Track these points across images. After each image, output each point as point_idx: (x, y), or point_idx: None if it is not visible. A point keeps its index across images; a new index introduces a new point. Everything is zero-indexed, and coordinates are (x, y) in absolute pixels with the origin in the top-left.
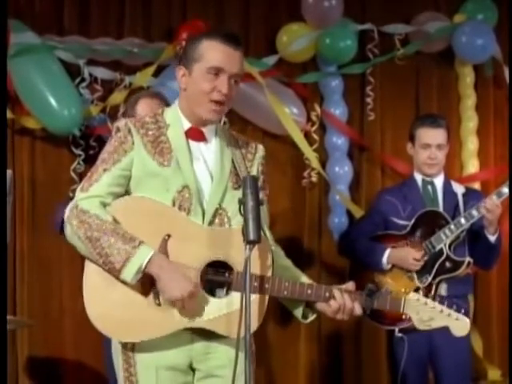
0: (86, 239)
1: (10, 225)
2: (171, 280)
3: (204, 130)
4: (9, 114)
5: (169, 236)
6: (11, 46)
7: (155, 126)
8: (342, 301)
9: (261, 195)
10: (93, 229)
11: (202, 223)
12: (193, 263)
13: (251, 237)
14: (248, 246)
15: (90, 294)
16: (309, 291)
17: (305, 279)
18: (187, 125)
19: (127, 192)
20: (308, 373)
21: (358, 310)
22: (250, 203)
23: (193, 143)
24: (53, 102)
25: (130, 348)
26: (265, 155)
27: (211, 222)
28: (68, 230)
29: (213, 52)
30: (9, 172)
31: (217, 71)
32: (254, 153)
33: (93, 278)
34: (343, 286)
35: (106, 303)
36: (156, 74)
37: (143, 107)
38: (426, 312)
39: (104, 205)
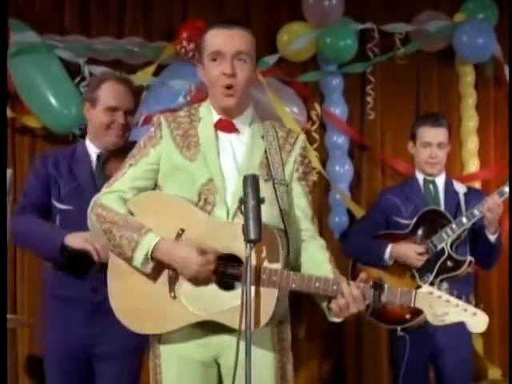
0: (102, 231)
1: (10, 224)
2: (183, 259)
3: (235, 121)
4: (9, 113)
5: (182, 230)
6: (12, 45)
7: (188, 119)
8: (350, 297)
9: (298, 187)
10: (106, 221)
11: (227, 216)
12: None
13: (252, 236)
14: (249, 245)
15: (112, 286)
16: (317, 284)
17: (328, 274)
18: (216, 117)
19: (157, 186)
20: (309, 372)
21: (363, 305)
22: (251, 202)
23: (223, 135)
24: (53, 101)
25: (156, 339)
26: (305, 146)
27: (235, 215)
28: (89, 223)
29: (210, 38)
30: (9, 171)
31: (216, 55)
32: (293, 143)
33: (115, 270)
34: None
35: (127, 295)
36: (156, 73)
37: (107, 93)
38: (440, 306)
39: (123, 199)
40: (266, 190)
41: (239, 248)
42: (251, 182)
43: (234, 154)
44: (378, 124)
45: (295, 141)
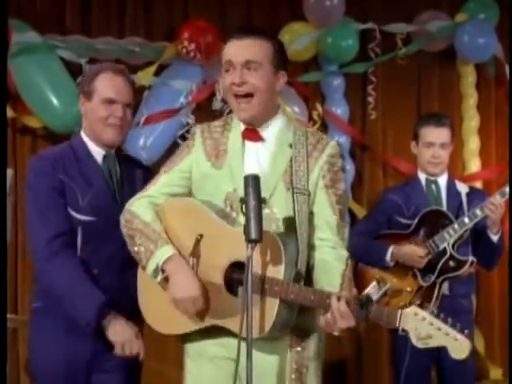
0: (127, 236)
1: (12, 224)
2: (180, 281)
3: (259, 129)
4: (11, 113)
5: (201, 236)
6: (13, 45)
7: (221, 129)
8: (338, 312)
9: (324, 195)
10: (132, 227)
11: None
12: (221, 262)
13: (252, 236)
14: (250, 245)
15: (140, 287)
16: (312, 297)
17: (327, 286)
18: (243, 127)
19: (191, 193)
20: None
21: (352, 322)
22: (252, 202)
23: (250, 144)
24: (54, 100)
25: (184, 339)
26: (335, 153)
27: None
28: (120, 227)
29: (224, 50)
30: (10, 171)
31: (228, 66)
32: (321, 150)
33: (143, 272)
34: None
35: (151, 297)
36: (157, 73)
37: (104, 84)
38: (424, 328)
39: (154, 204)
40: (286, 198)
41: (241, 255)
42: (252, 182)
43: (260, 162)
44: (379, 124)
45: (324, 148)
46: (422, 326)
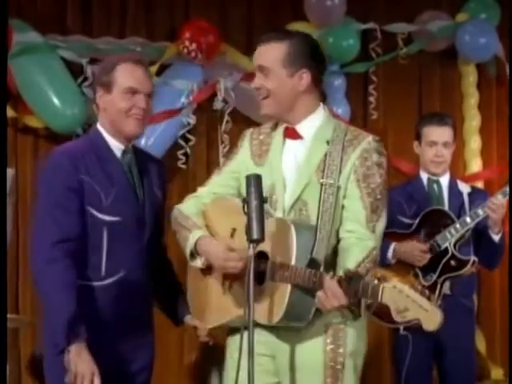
0: (176, 232)
1: (12, 224)
2: (212, 253)
3: (297, 127)
4: (12, 113)
5: (234, 230)
6: (14, 45)
7: (269, 130)
8: (328, 290)
9: (355, 189)
10: (177, 223)
11: (283, 216)
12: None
13: (254, 235)
14: (251, 245)
15: (189, 282)
16: (314, 279)
17: (345, 263)
18: (284, 125)
19: (240, 193)
20: None
21: (343, 300)
22: (254, 202)
23: (290, 142)
24: (56, 101)
25: (228, 336)
26: (369, 148)
27: (288, 215)
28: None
29: None
30: (11, 171)
31: (257, 69)
32: (356, 146)
33: (191, 269)
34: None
35: (196, 291)
36: (159, 73)
37: (124, 74)
38: (402, 301)
39: (200, 203)
40: (318, 192)
41: (266, 245)
42: (254, 182)
43: (296, 159)
44: (380, 124)
45: (359, 143)
46: (401, 300)
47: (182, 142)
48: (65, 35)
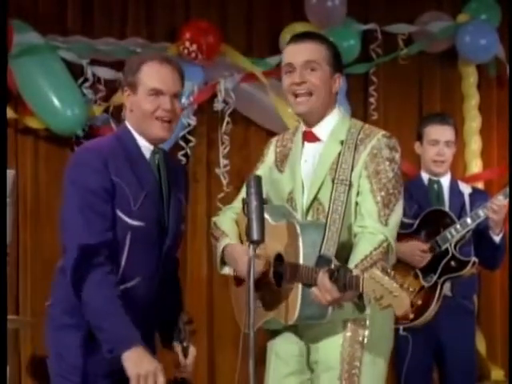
0: (212, 245)
1: (13, 225)
2: (236, 260)
3: (314, 129)
4: (12, 114)
5: None
6: (14, 46)
7: (291, 136)
8: (321, 285)
9: (367, 185)
10: (211, 235)
11: (301, 218)
12: (271, 255)
13: (254, 237)
14: (252, 246)
15: (230, 289)
16: (314, 276)
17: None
18: (302, 129)
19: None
20: None
21: (335, 294)
22: (254, 203)
23: (308, 145)
24: (56, 102)
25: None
26: (379, 144)
27: (306, 216)
28: None
29: (284, 55)
30: (12, 172)
31: (288, 68)
32: (367, 143)
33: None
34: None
35: (236, 299)
36: None
37: (149, 74)
38: (378, 289)
39: (234, 213)
40: (328, 189)
41: (281, 247)
42: (254, 183)
43: (313, 160)
44: (380, 125)
45: (370, 140)
46: (377, 288)
47: (182, 143)
48: (65, 36)
